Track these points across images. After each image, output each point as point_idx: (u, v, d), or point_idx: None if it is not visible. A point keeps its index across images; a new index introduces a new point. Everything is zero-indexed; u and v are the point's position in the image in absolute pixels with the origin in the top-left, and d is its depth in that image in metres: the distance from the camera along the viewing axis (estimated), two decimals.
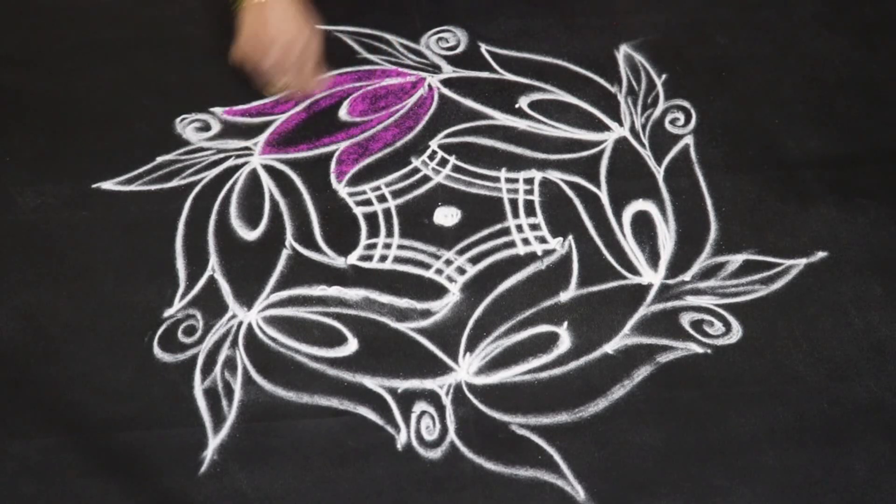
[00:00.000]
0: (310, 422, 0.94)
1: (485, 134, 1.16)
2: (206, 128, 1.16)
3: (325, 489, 0.91)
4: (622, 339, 0.99)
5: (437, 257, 1.06)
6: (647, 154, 1.15)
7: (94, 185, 1.11)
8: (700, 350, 0.99)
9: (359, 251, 1.06)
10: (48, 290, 1.03)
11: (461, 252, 1.06)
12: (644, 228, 1.08)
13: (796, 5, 1.31)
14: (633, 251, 1.06)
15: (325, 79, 1.20)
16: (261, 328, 1.00)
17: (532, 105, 1.19)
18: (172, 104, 1.19)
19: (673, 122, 1.18)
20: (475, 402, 0.96)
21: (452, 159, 1.14)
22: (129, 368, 0.97)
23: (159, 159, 1.13)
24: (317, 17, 1.16)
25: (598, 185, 1.12)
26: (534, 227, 1.08)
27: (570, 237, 1.07)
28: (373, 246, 1.07)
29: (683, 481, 0.91)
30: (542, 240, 1.07)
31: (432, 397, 0.96)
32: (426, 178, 1.12)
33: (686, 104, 1.20)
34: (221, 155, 1.14)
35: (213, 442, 0.93)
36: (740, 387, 0.97)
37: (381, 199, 1.10)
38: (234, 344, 0.99)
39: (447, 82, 1.21)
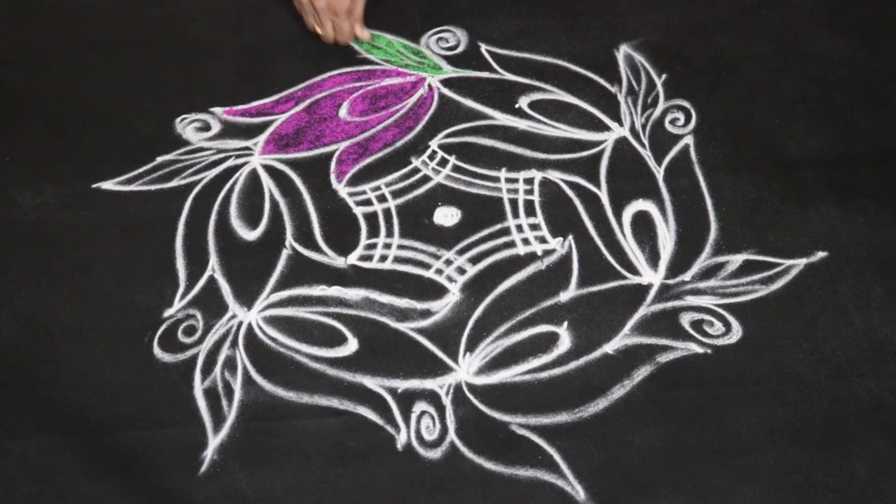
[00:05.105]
0: (310, 422, 0.94)
1: (485, 134, 1.16)
2: (206, 128, 1.16)
3: (325, 489, 0.90)
4: (622, 339, 0.99)
5: (437, 257, 1.06)
6: (647, 154, 1.14)
7: (94, 185, 1.11)
8: (700, 350, 0.99)
9: (359, 251, 1.06)
10: (48, 290, 1.03)
11: (461, 252, 1.06)
12: (644, 228, 1.08)
13: (796, 5, 1.31)
14: (633, 251, 1.06)
15: (364, 32, 1.23)
16: (261, 328, 1.00)
17: (532, 105, 1.19)
18: (172, 104, 1.19)
19: (673, 122, 1.18)
20: (475, 402, 0.95)
21: (452, 159, 1.14)
22: (129, 368, 0.97)
23: (159, 159, 1.13)
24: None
25: (598, 185, 1.12)
26: (534, 227, 1.08)
27: (570, 237, 1.07)
28: (373, 246, 1.06)
29: (683, 481, 0.91)
30: (542, 240, 1.07)
31: (432, 397, 0.96)
32: (426, 178, 1.12)
33: (686, 104, 1.20)
34: (221, 155, 1.14)
35: (213, 442, 0.93)
36: (740, 387, 0.97)
37: (381, 199, 1.10)
38: (234, 344, 0.99)
39: (447, 82, 1.21)
